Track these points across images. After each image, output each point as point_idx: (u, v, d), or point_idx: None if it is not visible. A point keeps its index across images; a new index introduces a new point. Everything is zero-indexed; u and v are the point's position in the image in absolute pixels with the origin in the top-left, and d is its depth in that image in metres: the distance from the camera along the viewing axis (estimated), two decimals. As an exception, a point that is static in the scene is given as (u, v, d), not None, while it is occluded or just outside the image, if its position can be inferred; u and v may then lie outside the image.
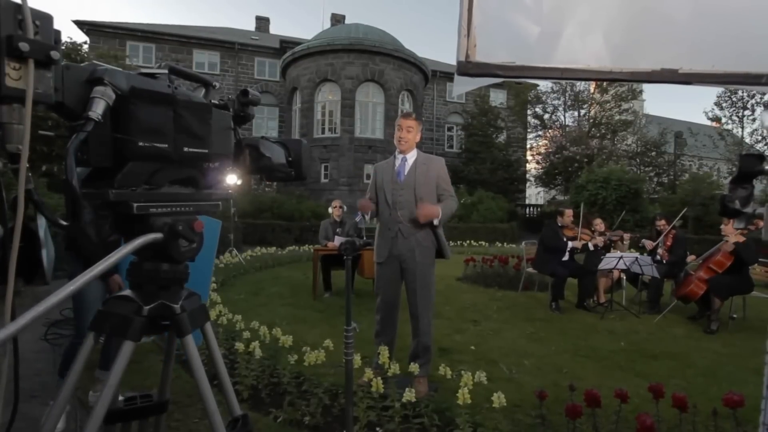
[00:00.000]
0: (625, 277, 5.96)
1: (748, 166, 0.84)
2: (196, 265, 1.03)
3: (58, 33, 0.70)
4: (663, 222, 5.99)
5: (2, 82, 0.62)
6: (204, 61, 22.59)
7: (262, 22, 28.86)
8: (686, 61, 0.81)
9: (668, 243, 5.78)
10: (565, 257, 5.70)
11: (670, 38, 0.83)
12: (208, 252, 2.88)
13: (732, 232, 4.79)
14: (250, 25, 30.05)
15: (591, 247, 6.07)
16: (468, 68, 0.84)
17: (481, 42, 0.82)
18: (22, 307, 0.84)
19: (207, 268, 2.94)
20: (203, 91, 1.06)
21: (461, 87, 0.93)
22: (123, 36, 21.14)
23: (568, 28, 0.85)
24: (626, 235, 6.43)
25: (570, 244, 5.69)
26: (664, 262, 5.70)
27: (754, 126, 21.14)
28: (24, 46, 0.63)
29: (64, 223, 0.74)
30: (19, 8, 0.64)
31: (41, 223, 0.90)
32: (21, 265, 0.71)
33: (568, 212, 5.93)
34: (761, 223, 0.94)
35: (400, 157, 3.03)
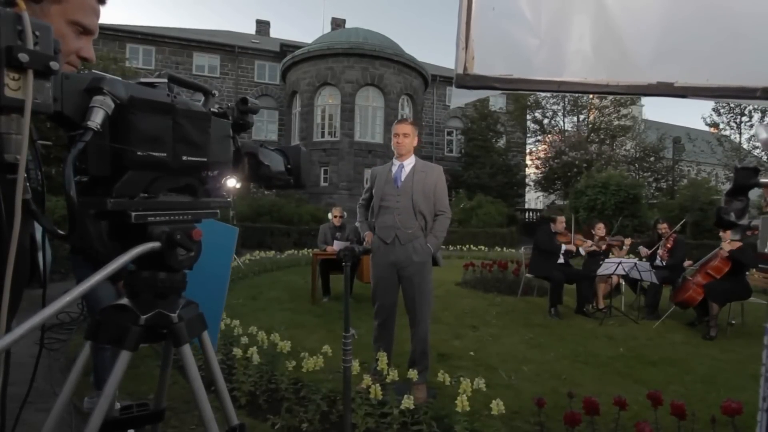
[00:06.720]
0: (624, 283, 5.97)
1: (743, 178, 0.85)
2: (212, 273, 1.01)
3: (57, 43, 0.70)
4: (665, 225, 6.04)
5: (1, 93, 0.62)
6: (204, 64, 22.61)
7: (263, 26, 28.94)
8: (682, 75, 0.82)
9: (669, 245, 5.82)
10: (560, 260, 5.75)
11: (666, 52, 0.83)
12: (224, 260, 2.54)
13: (729, 237, 4.82)
14: (251, 29, 30.20)
15: (583, 252, 6.13)
16: (466, 81, 0.84)
17: (479, 54, 0.83)
18: (19, 311, 0.84)
19: (223, 278, 2.60)
20: (202, 98, 1.05)
21: (459, 99, 0.93)
22: (123, 39, 21.15)
23: (566, 41, 0.85)
24: (627, 240, 6.45)
25: (564, 247, 5.75)
26: (664, 263, 5.73)
27: (752, 132, 21.21)
28: (23, 57, 0.63)
29: (62, 233, 0.74)
30: (19, 19, 0.64)
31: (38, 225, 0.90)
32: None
33: (560, 219, 6.08)
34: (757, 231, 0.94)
35: (397, 163, 3.04)
